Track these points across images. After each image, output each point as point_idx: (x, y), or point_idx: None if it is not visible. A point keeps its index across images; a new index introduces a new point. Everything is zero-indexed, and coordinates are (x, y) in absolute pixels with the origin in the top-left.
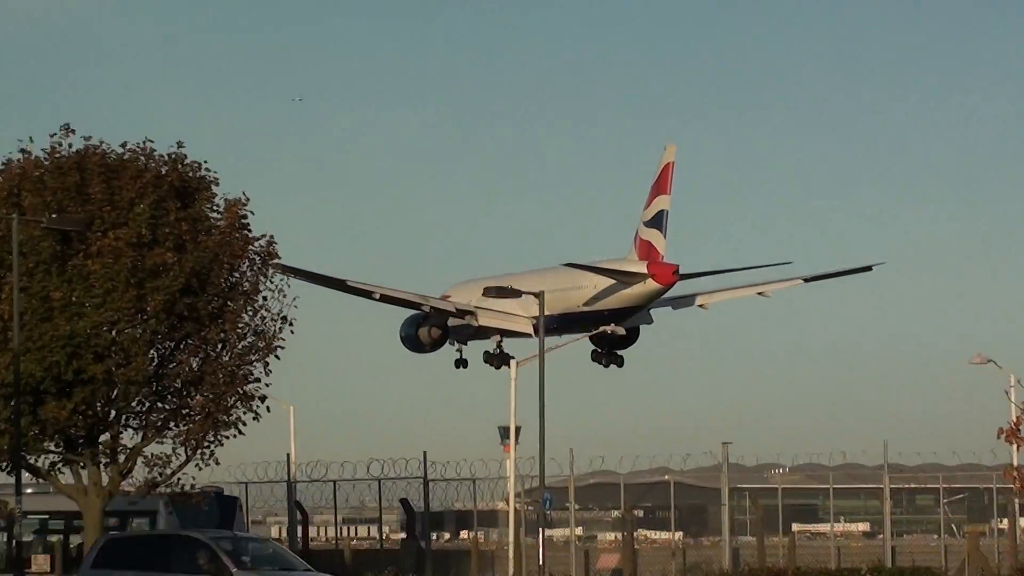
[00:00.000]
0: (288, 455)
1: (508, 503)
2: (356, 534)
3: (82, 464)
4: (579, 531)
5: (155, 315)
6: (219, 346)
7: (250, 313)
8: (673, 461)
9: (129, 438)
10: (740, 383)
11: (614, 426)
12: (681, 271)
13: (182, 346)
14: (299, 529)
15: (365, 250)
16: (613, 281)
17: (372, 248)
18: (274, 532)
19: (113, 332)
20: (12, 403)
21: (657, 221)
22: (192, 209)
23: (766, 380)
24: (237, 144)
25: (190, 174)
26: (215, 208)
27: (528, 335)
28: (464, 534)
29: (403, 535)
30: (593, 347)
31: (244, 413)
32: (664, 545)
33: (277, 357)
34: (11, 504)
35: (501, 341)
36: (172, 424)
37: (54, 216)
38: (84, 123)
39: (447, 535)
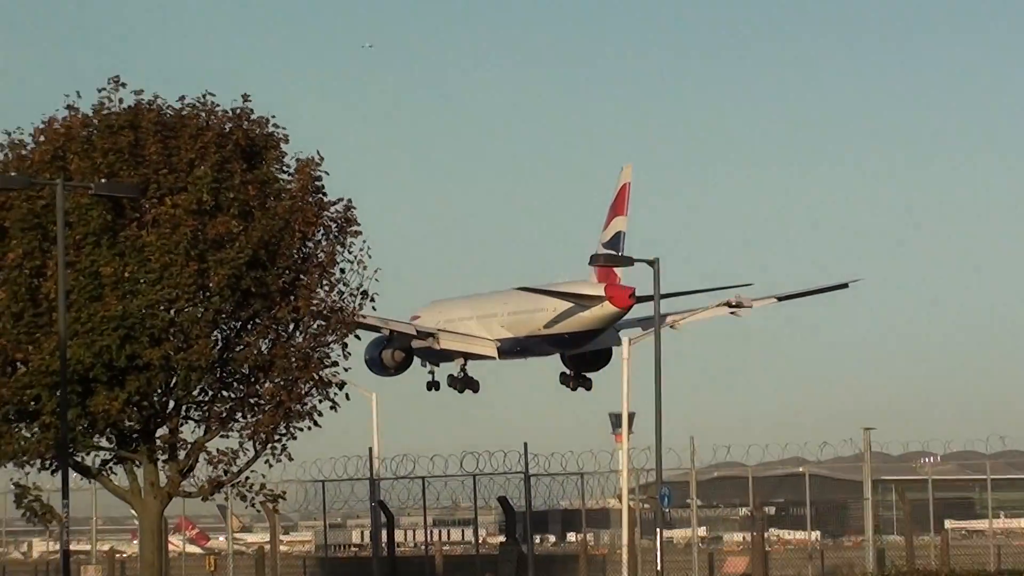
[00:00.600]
0: (370, 449)
1: (621, 500)
2: (448, 538)
3: (137, 462)
4: (702, 531)
5: (219, 292)
6: (291, 326)
7: (326, 288)
8: (808, 450)
9: (190, 432)
10: (883, 361)
11: (740, 411)
12: (639, 293)
13: (249, 327)
14: (383, 533)
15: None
16: (571, 304)
17: None
18: (355, 537)
19: (171, 312)
20: (58, 393)
21: (614, 243)
22: (259, 171)
23: (912, 358)
24: (309, 97)
25: (256, 131)
26: (285, 169)
27: (491, 358)
28: (571, 536)
29: (502, 538)
30: (562, 369)
31: (320, 401)
32: (799, 546)
33: (357, 337)
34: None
35: (465, 364)
36: (238, 415)
37: (104, 181)
38: (136, 76)
39: (552, 537)
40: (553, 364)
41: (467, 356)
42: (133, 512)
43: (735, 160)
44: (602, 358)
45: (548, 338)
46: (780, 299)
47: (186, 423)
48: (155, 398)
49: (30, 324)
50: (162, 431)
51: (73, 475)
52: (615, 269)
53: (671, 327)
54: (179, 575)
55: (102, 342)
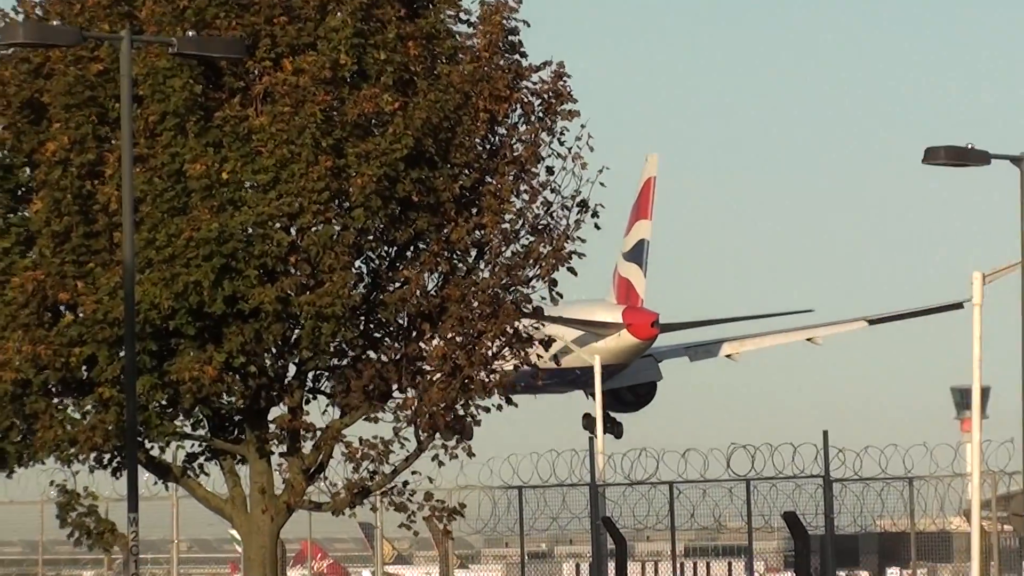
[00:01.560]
0: (591, 439)
1: (969, 519)
2: (708, 574)
3: (240, 458)
4: None
5: (363, 202)
6: (473, 254)
7: (526, 196)
8: None
9: (319, 413)
10: None
11: None
12: (664, 320)
13: (409, 254)
14: (610, 567)
15: None
16: (581, 332)
17: None
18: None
19: (293, 231)
20: (122, 354)
21: (637, 254)
22: (425, 20)
23: None
24: None
25: None
26: (464, 18)
27: None
28: (893, 573)
29: (789, 575)
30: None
31: (518, 367)
32: None
33: (572, 271)
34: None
35: None
36: (393, 388)
37: (191, 35)
38: None
39: (864, 575)
40: None
41: None
42: (233, 533)
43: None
44: (643, 396)
45: (558, 372)
46: (871, 322)
47: (314, 400)
48: (268, 362)
49: (80, 250)
50: (278, 411)
51: (144, 476)
52: (636, 286)
53: (728, 357)
54: None
55: (188, 277)
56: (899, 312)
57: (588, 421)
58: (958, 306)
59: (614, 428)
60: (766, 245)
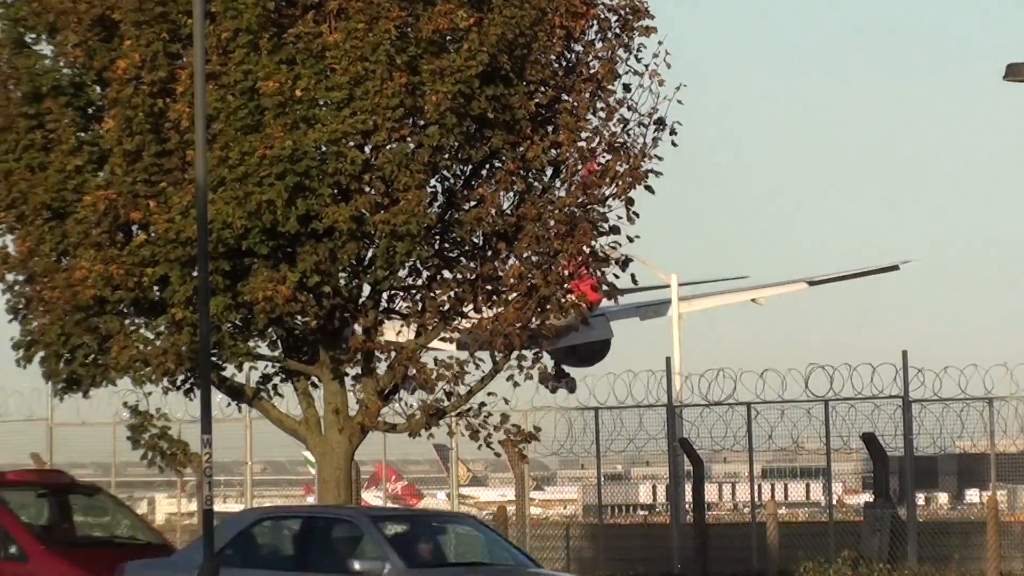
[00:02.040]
0: (668, 360)
1: None
2: (786, 496)
3: (315, 379)
4: None
5: (438, 119)
6: (549, 172)
7: (602, 114)
8: None
9: (394, 333)
10: None
11: None
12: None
13: (484, 173)
14: (687, 488)
15: None
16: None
17: None
18: (643, 494)
19: (367, 149)
20: (194, 274)
21: None
22: None
23: None
24: None
25: None
26: None
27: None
28: (973, 494)
29: (867, 496)
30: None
31: (600, 287)
32: None
33: (649, 189)
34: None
35: None
36: (468, 308)
37: None
38: None
39: (944, 496)
40: None
41: None
42: (307, 455)
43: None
44: (597, 352)
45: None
46: (811, 284)
47: (388, 320)
48: (342, 281)
49: (151, 169)
50: (352, 332)
51: (217, 398)
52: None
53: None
54: None
55: (261, 195)
56: None
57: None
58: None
59: (568, 384)
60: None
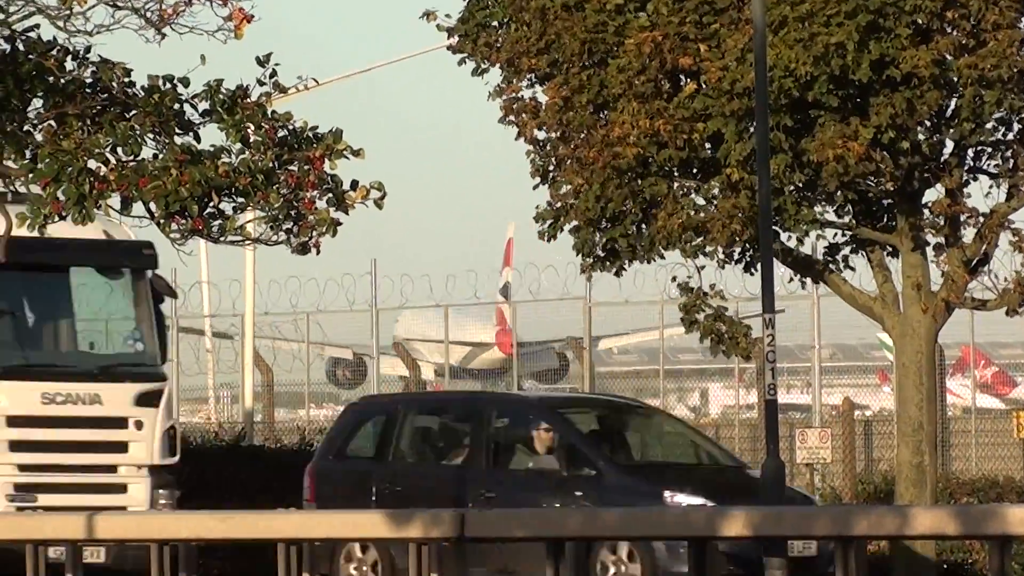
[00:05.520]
0: None
1: None
2: None
3: (891, 249)
4: None
5: None
6: None
7: None
8: None
9: (982, 196)
10: None
11: None
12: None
13: None
14: None
15: None
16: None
17: None
18: None
19: None
20: (752, 130)
21: (504, 292)
22: None
23: None
24: None
25: None
26: None
27: None
28: None
29: None
30: None
31: None
32: None
33: None
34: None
35: None
36: None
37: None
38: None
39: None
40: None
41: None
42: (883, 337)
43: None
44: None
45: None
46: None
47: (975, 181)
48: (921, 137)
49: (702, 8)
50: (933, 194)
51: (780, 271)
52: (505, 315)
53: (610, 350)
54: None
55: (829, 38)
56: None
57: None
58: None
59: None
60: None
